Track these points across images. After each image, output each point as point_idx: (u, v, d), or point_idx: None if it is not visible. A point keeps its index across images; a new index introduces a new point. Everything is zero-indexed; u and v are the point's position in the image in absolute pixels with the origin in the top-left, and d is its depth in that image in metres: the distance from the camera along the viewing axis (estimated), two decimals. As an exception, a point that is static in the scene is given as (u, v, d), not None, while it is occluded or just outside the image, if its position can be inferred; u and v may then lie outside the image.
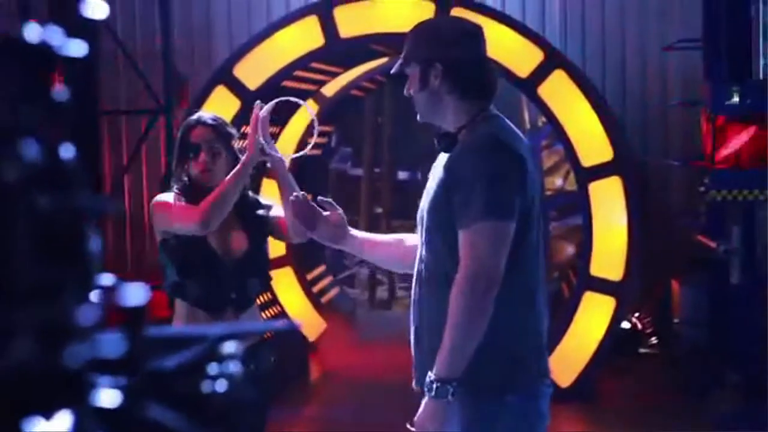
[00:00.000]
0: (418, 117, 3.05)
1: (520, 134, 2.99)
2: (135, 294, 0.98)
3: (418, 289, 2.98)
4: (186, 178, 3.85)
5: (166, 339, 1.29)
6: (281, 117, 9.01)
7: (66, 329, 0.91)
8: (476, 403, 2.82)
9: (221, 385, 1.25)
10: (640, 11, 8.98)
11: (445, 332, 2.79)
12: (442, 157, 2.98)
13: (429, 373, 2.80)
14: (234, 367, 1.28)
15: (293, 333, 4.65)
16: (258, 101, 3.54)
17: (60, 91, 0.96)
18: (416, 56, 2.97)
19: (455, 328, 2.76)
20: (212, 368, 1.26)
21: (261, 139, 3.51)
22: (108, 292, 0.98)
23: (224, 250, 3.85)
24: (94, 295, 0.95)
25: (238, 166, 3.69)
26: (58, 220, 0.89)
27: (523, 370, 2.86)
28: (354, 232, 3.26)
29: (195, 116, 3.92)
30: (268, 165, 3.74)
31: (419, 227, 3.02)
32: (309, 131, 9.68)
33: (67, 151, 0.98)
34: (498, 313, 2.79)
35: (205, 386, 1.24)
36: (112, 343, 0.97)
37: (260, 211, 3.91)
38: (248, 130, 3.56)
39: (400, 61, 3.01)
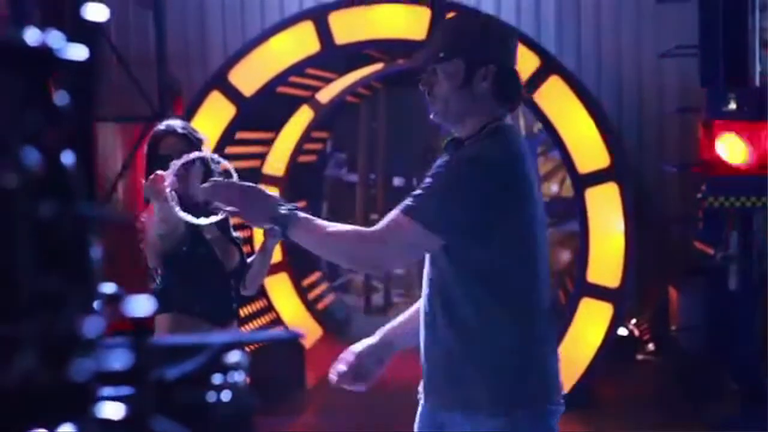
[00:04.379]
0: (432, 116, 2.81)
1: (524, 151, 2.76)
2: (140, 305, 0.96)
3: (427, 299, 2.86)
4: None
5: (168, 349, 1.27)
6: (275, 122, 8.99)
7: (70, 340, 0.88)
8: (479, 420, 2.77)
9: (226, 395, 1.23)
10: (635, 17, 8.98)
11: (327, 235, 2.72)
12: None
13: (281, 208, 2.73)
14: (238, 377, 1.25)
15: (295, 341, 4.68)
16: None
17: (61, 96, 0.93)
18: (462, 51, 2.72)
19: (329, 243, 2.72)
20: (216, 378, 1.24)
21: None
22: (111, 301, 0.96)
23: (225, 260, 3.89)
24: (97, 305, 0.93)
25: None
26: (60, 229, 0.87)
27: (524, 388, 2.78)
28: (383, 336, 3.16)
29: (163, 126, 3.88)
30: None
31: None
32: (306, 137, 9.66)
33: (67, 158, 0.96)
34: (494, 332, 2.74)
35: (209, 396, 1.22)
36: (118, 354, 0.95)
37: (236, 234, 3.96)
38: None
39: (440, 54, 2.74)
